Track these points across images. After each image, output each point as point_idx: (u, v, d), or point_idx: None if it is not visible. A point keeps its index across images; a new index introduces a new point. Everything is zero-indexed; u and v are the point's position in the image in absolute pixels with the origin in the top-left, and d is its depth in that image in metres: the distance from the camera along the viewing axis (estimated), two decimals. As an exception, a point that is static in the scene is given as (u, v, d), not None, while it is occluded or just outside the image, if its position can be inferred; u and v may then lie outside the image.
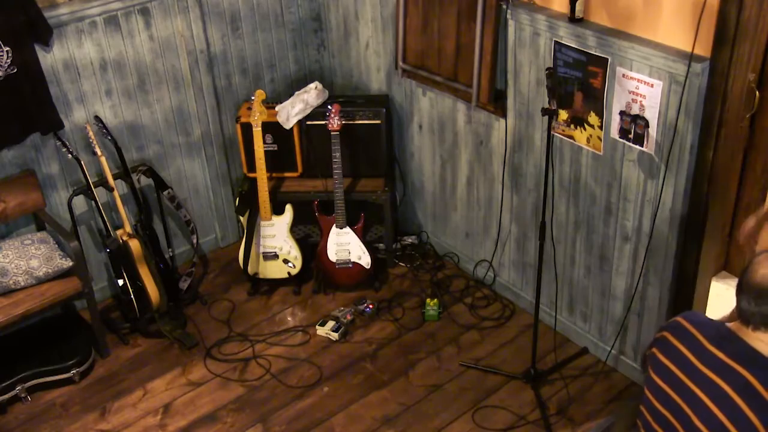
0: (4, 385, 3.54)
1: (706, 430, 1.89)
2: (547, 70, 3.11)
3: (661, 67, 2.87)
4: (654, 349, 2.09)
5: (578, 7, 3.05)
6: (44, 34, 3.52)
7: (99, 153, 3.73)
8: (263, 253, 4.15)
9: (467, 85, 3.66)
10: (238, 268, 4.29)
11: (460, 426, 3.40)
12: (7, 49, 3.40)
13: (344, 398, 3.58)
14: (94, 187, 3.76)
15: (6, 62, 3.42)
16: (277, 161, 4.20)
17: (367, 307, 4.06)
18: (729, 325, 1.96)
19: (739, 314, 1.90)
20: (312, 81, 4.23)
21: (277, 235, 4.11)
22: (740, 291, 1.88)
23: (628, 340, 3.52)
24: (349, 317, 4.01)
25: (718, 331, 1.97)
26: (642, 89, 2.97)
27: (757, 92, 2.78)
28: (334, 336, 3.91)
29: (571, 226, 3.56)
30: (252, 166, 4.11)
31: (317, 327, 3.96)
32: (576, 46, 3.13)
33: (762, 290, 1.82)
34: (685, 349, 1.99)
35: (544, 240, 3.35)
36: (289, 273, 4.19)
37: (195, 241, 4.24)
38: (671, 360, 2.02)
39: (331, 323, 3.96)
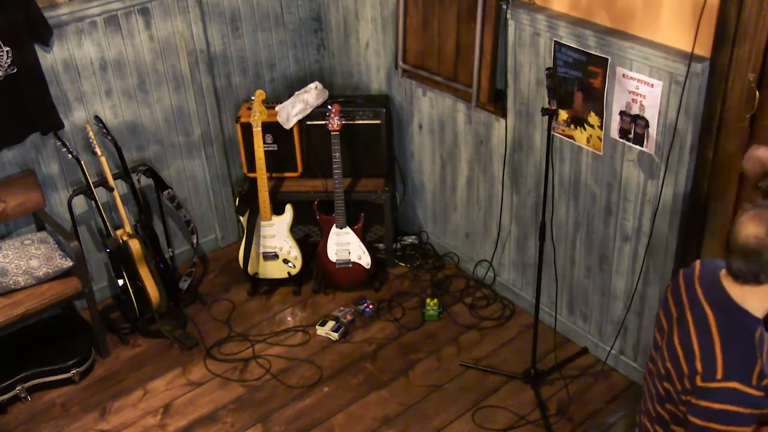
0: (4, 385, 3.54)
1: (666, 354, 2.03)
2: (547, 70, 3.11)
3: (661, 67, 2.87)
4: (669, 283, 2.25)
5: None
6: (44, 34, 3.52)
7: (99, 153, 3.73)
8: (263, 253, 4.15)
9: (467, 85, 3.66)
10: (238, 268, 4.29)
11: (460, 426, 3.40)
12: (7, 49, 3.40)
13: (344, 398, 3.58)
14: (94, 187, 3.76)
15: (6, 62, 3.42)
16: (277, 161, 4.20)
17: (367, 307, 4.06)
18: (722, 272, 2.03)
19: (728, 271, 1.96)
20: (312, 81, 4.23)
21: (277, 235, 4.11)
22: (729, 252, 1.93)
23: (628, 340, 3.52)
24: (349, 317, 4.01)
25: (711, 273, 2.07)
26: (642, 89, 2.97)
27: (757, 92, 2.77)
28: (334, 336, 3.91)
29: (571, 226, 3.56)
30: (252, 166, 4.11)
31: (317, 327, 3.96)
32: (576, 46, 3.13)
33: (748, 250, 1.87)
34: (681, 282, 2.14)
35: (544, 240, 3.35)
36: (289, 273, 4.19)
37: (195, 241, 4.24)
38: (671, 290, 2.17)
39: (331, 323, 3.96)
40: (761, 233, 1.85)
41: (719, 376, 1.84)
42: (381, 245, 4.38)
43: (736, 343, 1.90)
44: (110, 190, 3.82)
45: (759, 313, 1.95)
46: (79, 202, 3.92)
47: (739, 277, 1.92)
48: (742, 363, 1.87)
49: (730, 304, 1.94)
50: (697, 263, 2.17)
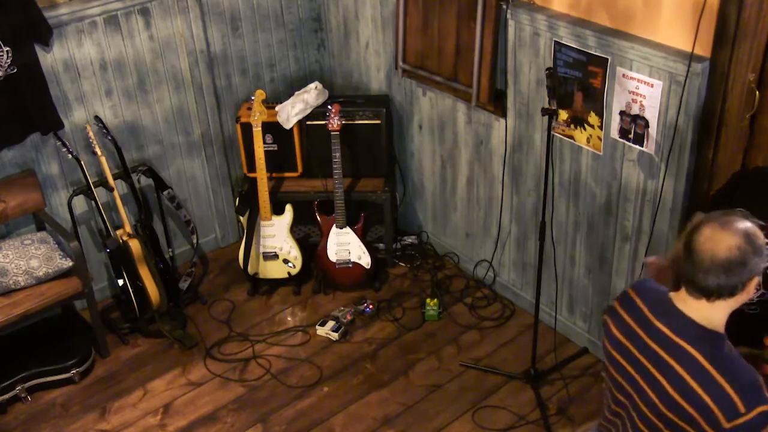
0: (4, 385, 3.54)
1: (657, 401, 1.91)
2: (547, 70, 3.11)
3: (661, 67, 2.87)
4: (607, 317, 2.11)
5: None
6: (44, 34, 3.52)
7: (99, 153, 3.73)
8: (263, 253, 4.15)
9: (467, 85, 3.66)
10: (238, 268, 4.29)
11: (460, 426, 3.40)
12: (7, 49, 3.40)
13: (344, 398, 3.58)
14: (94, 187, 3.76)
15: (6, 62, 3.42)
16: (277, 161, 4.20)
17: (367, 307, 4.06)
18: (671, 295, 1.93)
19: (698, 291, 1.83)
20: (312, 81, 4.23)
21: (277, 235, 4.11)
22: (699, 270, 1.80)
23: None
24: (349, 317, 4.01)
25: (660, 301, 1.95)
26: (642, 89, 2.97)
27: (757, 92, 2.77)
28: (334, 336, 3.91)
29: (571, 226, 3.56)
30: (252, 166, 4.11)
31: (317, 327, 3.96)
32: (576, 46, 3.13)
33: (732, 263, 1.77)
34: (631, 320, 2.00)
35: (544, 240, 3.35)
36: (289, 273, 4.19)
37: (195, 241, 4.24)
38: (620, 331, 2.03)
39: (331, 323, 3.96)
40: (741, 242, 1.76)
41: (743, 410, 1.77)
42: (381, 245, 4.38)
43: (736, 369, 1.82)
44: (110, 190, 3.82)
45: (723, 327, 1.88)
46: (79, 202, 3.92)
47: (714, 294, 1.81)
48: (753, 384, 1.80)
49: (705, 333, 1.85)
50: (630, 292, 2.04)
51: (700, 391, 1.81)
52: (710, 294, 1.81)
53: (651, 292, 2.00)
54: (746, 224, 1.80)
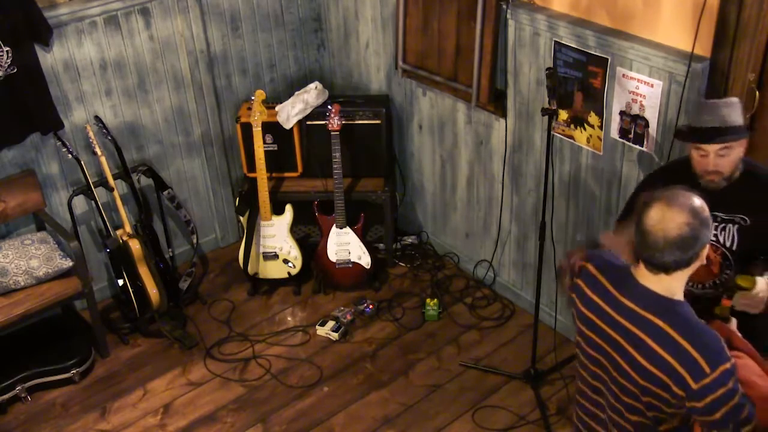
0: (4, 385, 3.54)
1: (631, 371, 2.00)
2: (547, 70, 3.11)
3: (661, 67, 2.87)
4: (574, 296, 2.18)
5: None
6: (44, 34, 3.52)
7: (99, 153, 3.73)
8: (263, 253, 4.15)
9: (467, 85, 3.66)
10: (238, 268, 4.29)
11: (460, 426, 3.40)
12: (7, 49, 3.40)
13: (344, 398, 3.58)
14: (94, 187, 3.76)
15: (6, 62, 3.42)
16: (277, 161, 4.20)
17: (367, 307, 4.06)
18: (632, 270, 2.02)
19: (655, 267, 1.93)
20: (312, 81, 4.23)
21: (277, 235, 4.11)
22: (655, 248, 1.89)
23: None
24: (349, 317, 4.01)
25: (622, 277, 2.04)
26: (642, 89, 2.97)
27: (757, 92, 2.77)
28: (334, 336, 3.91)
29: (571, 226, 3.56)
30: (252, 166, 4.11)
31: (317, 327, 3.96)
32: (576, 46, 3.13)
33: (685, 240, 1.86)
34: (596, 298, 2.09)
35: (544, 240, 3.35)
36: (289, 273, 4.19)
37: (195, 241, 4.24)
38: (588, 308, 2.12)
39: (331, 323, 3.96)
40: (689, 218, 1.86)
41: (708, 370, 1.87)
42: (381, 245, 4.38)
43: (698, 332, 1.92)
44: (110, 190, 3.82)
45: (682, 293, 1.98)
46: (79, 202, 3.92)
47: (672, 268, 1.91)
48: (715, 345, 1.90)
49: (668, 303, 1.95)
50: (591, 269, 2.13)
51: (668, 357, 1.91)
52: (668, 268, 1.92)
53: (612, 269, 2.10)
54: (691, 199, 1.90)
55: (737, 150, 2.43)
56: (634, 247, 1.97)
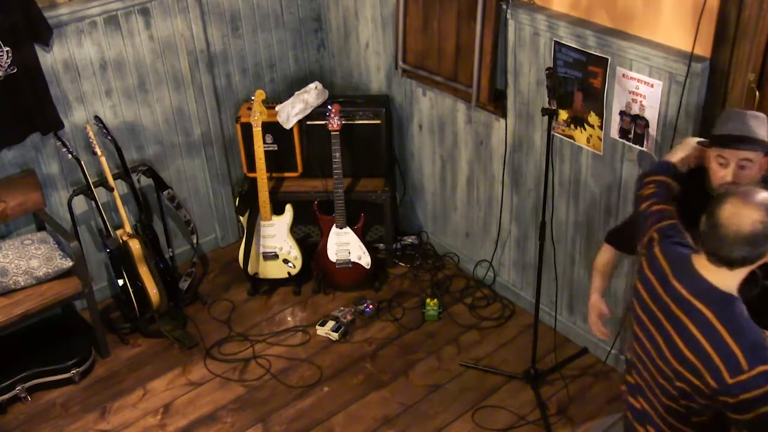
0: (4, 385, 3.54)
1: (668, 353, 2.04)
2: (547, 70, 3.11)
3: (661, 67, 2.87)
4: (637, 281, 2.21)
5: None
6: (44, 34, 3.52)
7: (99, 153, 3.73)
8: (263, 253, 4.15)
9: (467, 85, 3.66)
10: (238, 268, 4.29)
11: (460, 426, 3.40)
12: (7, 49, 3.40)
13: (344, 398, 3.58)
14: (94, 187, 3.76)
15: (6, 62, 3.42)
16: (277, 161, 4.20)
17: (367, 307, 4.06)
18: (693, 258, 2.03)
19: (721, 261, 1.93)
20: (312, 81, 4.23)
21: (277, 235, 4.12)
22: (725, 243, 1.89)
23: (628, 341, 3.51)
24: (349, 317, 4.01)
25: (681, 261, 2.06)
26: (642, 89, 2.97)
27: (757, 92, 2.77)
28: (334, 336, 3.91)
29: (571, 226, 3.56)
30: (252, 166, 4.11)
31: (317, 327, 3.96)
32: (576, 46, 3.13)
33: (757, 237, 1.87)
34: (653, 278, 2.12)
35: (544, 240, 3.35)
36: (289, 273, 4.19)
37: (195, 241, 4.24)
38: (645, 289, 2.15)
39: (331, 323, 3.96)
40: (764, 216, 1.87)
41: (746, 368, 1.86)
42: (381, 245, 4.38)
43: (744, 329, 1.91)
44: (110, 190, 3.82)
45: (737, 289, 1.98)
46: (79, 202, 3.92)
47: (736, 264, 1.91)
48: (758, 345, 1.89)
49: (721, 295, 1.95)
50: (658, 253, 2.14)
51: (707, 347, 1.92)
52: (734, 263, 1.92)
53: (674, 253, 2.11)
54: (766, 196, 1.91)
55: (756, 167, 2.34)
56: (700, 228, 1.96)
